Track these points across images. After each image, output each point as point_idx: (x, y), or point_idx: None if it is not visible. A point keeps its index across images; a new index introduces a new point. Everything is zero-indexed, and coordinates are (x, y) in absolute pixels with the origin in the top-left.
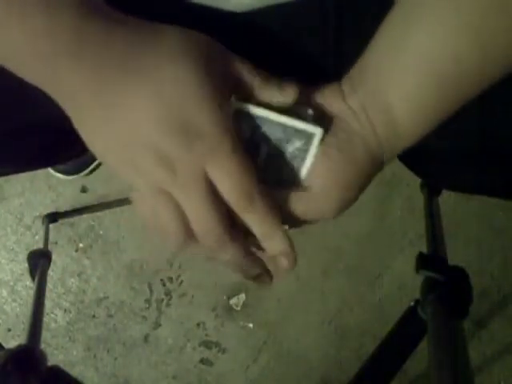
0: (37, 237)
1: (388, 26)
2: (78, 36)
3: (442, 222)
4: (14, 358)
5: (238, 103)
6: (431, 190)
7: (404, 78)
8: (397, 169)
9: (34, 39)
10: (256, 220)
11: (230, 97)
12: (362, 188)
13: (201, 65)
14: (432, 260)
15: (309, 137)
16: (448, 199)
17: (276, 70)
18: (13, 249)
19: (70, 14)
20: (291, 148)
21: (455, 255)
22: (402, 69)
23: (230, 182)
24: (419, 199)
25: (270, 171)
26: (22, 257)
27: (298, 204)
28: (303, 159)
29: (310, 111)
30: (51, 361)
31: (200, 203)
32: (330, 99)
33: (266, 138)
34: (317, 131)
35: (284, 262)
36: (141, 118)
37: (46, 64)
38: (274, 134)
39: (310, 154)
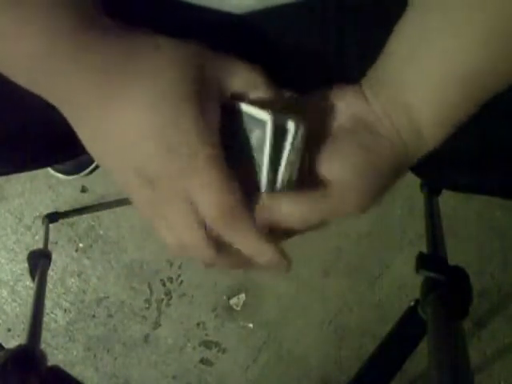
0: (37, 237)
1: (406, 30)
2: (76, 42)
3: (441, 222)
4: (14, 357)
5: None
6: (431, 190)
7: (427, 81)
8: None
9: (31, 43)
10: (239, 238)
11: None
12: (383, 190)
13: (188, 80)
14: (432, 260)
15: (262, 125)
16: (448, 199)
17: (276, 71)
18: (13, 249)
19: (70, 20)
20: (253, 139)
21: (455, 255)
22: (425, 73)
23: (209, 199)
24: (419, 199)
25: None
26: (22, 257)
27: (320, 204)
28: (262, 150)
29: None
30: (51, 361)
31: (182, 221)
32: (355, 101)
33: (239, 130)
34: (267, 118)
35: (278, 269)
36: (129, 132)
37: (42, 67)
38: (241, 125)
39: (266, 144)
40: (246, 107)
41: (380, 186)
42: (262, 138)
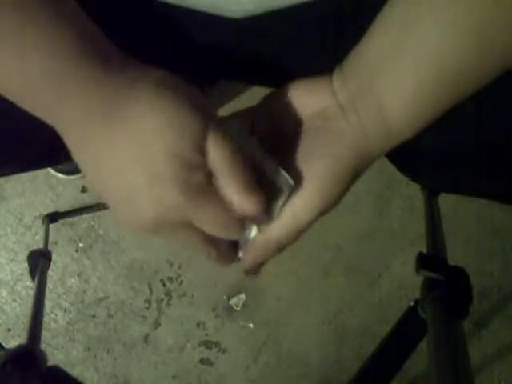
0: (37, 237)
1: (384, 23)
2: (66, 77)
3: (441, 222)
4: (14, 357)
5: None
6: (431, 190)
7: (401, 76)
8: None
9: (27, 72)
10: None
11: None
12: (346, 185)
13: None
14: (432, 260)
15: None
16: (448, 199)
17: (276, 75)
18: (13, 249)
19: (67, 54)
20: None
21: (455, 255)
22: (399, 67)
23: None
24: (419, 199)
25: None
26: (22, 257)
27: (286, 212)
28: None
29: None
30: (51, 361)
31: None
32: (319, 95)
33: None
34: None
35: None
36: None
37: (38, 100)
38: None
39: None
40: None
41: (340, 187)
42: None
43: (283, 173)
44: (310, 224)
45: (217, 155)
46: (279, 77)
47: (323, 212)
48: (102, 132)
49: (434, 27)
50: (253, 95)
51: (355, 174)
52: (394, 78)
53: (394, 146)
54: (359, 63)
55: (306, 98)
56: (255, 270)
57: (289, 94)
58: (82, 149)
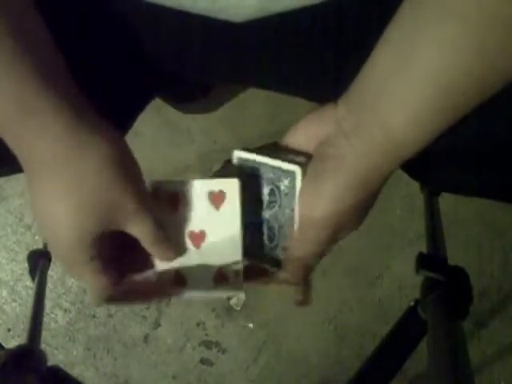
0: (37, 237)
1: (386, 43)
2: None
3: (441, 221)
4: (13, 357)
5: (238, 152)
6: (431, 190)
7: (404, 95)
8: None
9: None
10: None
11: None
12: (362, 208)
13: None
14: (432, 260)
15: (292, 174)
16: (448, 199)
17: (274, 78)
18: (13, 249)
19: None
20: (282, 186)
21: (455, 255)
22: (402, 87)
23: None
24: (419, 199)
25: (275, 208)
26: (22, 257)
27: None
28: (294, 194)
29: (300, 158)
30: (51, 361)
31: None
32: (325, 124)
33: (264, 179)
34: (296, 169)
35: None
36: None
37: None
38: (267, 176)
39: (296, 190)
40: (272, 161)
41: (347, 208)
42: (289, 185)
43: (286, 164)
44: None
45: (142, 233)
46: (278, 80)
47: (339, 233)
48: (45, 174)
49: (435, 45)
50: (253, 95)
51: (364, 194)
52: (397, 97)
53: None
54: (363, 86)
55: (315, 130)
56: (304, 294)
57: (301, 128)
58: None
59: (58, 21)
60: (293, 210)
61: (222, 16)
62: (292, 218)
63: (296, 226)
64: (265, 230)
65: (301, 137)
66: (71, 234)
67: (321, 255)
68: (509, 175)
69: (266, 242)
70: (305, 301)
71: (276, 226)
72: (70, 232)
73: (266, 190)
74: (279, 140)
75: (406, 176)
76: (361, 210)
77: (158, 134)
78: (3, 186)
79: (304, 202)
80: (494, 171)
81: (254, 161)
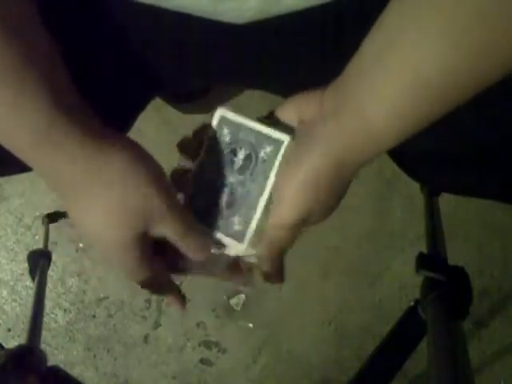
0: (37, 237)
1: (373, 33)
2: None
3: (441, 221)
4: (14, 357)
5: (222, 110)
6: (431, 190)
7: (384, 86)
8: (396, 168)
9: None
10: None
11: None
12: (328, 190)
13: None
14: (432, 260)
15: (277, 143)
16: (448, 199)
17: (274, 80)
18: (13, 249)
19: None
20: (262, 153)
21: (455, 255)
22: (382, 78)
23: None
24: (419, 199)
25: (245, 174)
26: (22, 257)
27: (272, 219)
28: (272, 164)
29: (290, 125)
30: (51, 361)
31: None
32: (311, 105)
33: (242, 143)
34: (285, 138)
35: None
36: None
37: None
38: (248, 140)
39: (277, 159)
40: (259, 127)
41: (320, 192)
42: (270, 154)
43: (274, 131)
44: (296, 226)
45: (172, 231)
46: (278, 81)
47: (311, 217)
48: (83, 194)
49: (416, 39)
50: (251, 95)
51: (337, 179)
52: (377, 87)
53: (382, 153)
54: (348, 71)
55: (303, 110)
56: (277, 271)
57: (289, 108)
58: (71, 205)
59: (57, 21)
60: (266, 178)
61: (223, 18)
62: (263, 187)
63: (266, 195)
64: (224, 196)
65: (287, 113)
66: (111, 245)
67: (289, 241)
68: (509, 175)
69: (224, 207)
70: (279, 279)
71: (239, 193)
72: (111, 243)
73: (240, 155)
74: (268, 110)
75: (405, 176)
76: (332, 197)
77: (157, 134)
78: (3, 186)
79: (282, 173)
80: (493, 172)
81: (237, 123)
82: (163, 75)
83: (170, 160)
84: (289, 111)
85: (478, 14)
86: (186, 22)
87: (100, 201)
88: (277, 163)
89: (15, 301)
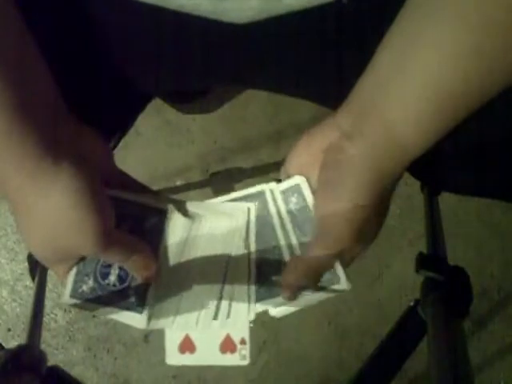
0: None
1: (388, 47)
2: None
3: (441, 221)
4: (14, 357)
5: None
6: (431, 190)
7: (407, 97)
8: None
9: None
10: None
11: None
12: (372, 208)
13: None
14: (432, 260)
15: (163, 213)
16: (448, 199)
17: (275, 80)
18: (13, 249)
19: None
20: (291, 205)
21: (455, 255)
22: (406, 88)
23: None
24: (419, 199)
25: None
26: (22, 257)
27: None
28: (305, 207)
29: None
30: (51, 361)
31: None
32: (325, 136)
33: (128, 216)
34: (300, 180)
35: None
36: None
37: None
38: (134, 212)
39: (308, 199)
40: (143, 199)
41: (366, 212)
42: (302, 198)
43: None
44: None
45: (113, 258)
46: (279, 81)
47: (359, 238)
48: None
49: (434, 49)
50: (253, 95)
51: (378, 195)
52: (397, 98)
53: (413, 160)
54: (363, 87)
55: (319, 144)
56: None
57: (303, 146)
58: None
59: (57, 20)
60: (308, 219)
61: (224, 18)
62: (308, 232)
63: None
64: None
65: (304, 155)
66: (44, 262)
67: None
68: (509, 175)
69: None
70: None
71: (288, 250)
72: (43, 261)
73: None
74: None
75: (406, 176)
76: (376, 216)
77: (157, 134)
78: None
79: (320, 206)
80: (494, 171)
81: (123, 198)
82: (163, 75)
83: (168, 160)
84: (304, 154)
85: (491, 19)
86: (186, 21)
87: (36, 224)
88: (309, 201)
89: (15, 301)
